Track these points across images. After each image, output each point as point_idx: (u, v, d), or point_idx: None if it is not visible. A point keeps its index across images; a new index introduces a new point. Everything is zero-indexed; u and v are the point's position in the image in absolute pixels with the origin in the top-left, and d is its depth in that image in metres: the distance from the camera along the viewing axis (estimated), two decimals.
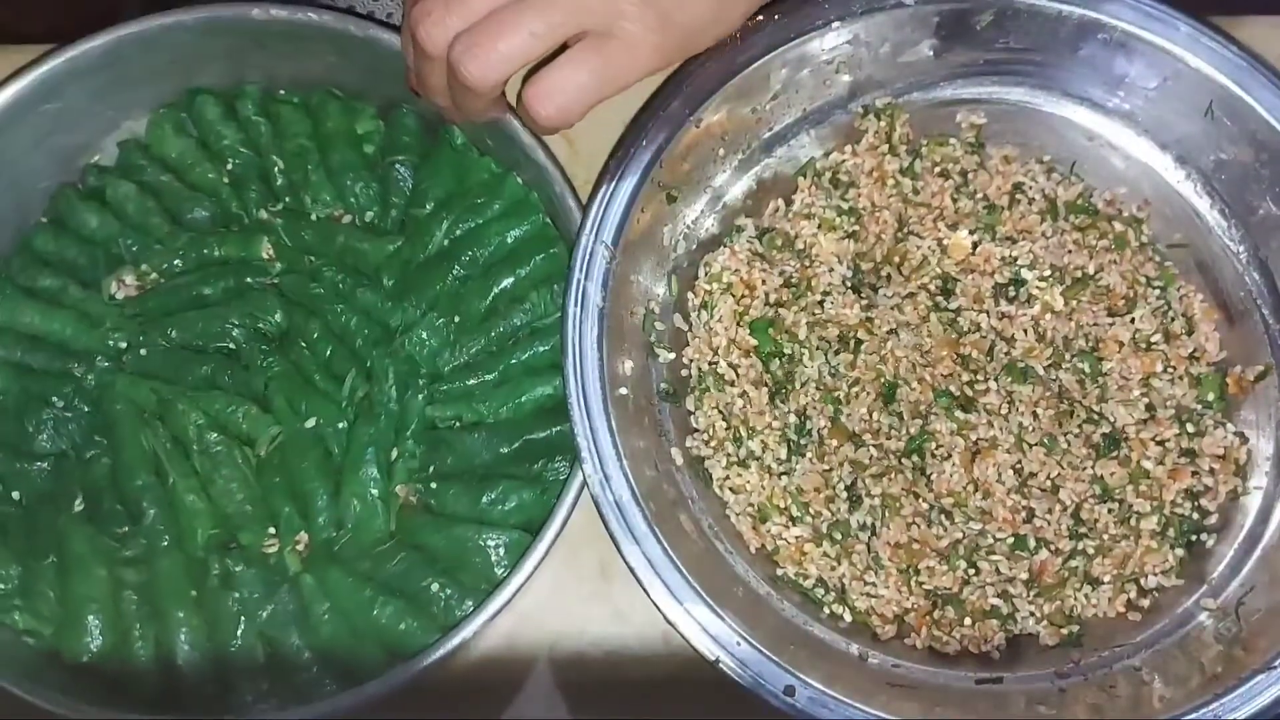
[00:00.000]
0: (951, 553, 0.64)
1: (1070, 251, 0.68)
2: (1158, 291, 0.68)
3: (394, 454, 0.67)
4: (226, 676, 0.64)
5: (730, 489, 0.66)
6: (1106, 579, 0.64)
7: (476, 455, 0.68)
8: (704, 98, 0.65)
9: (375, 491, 0.66)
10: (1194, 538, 0.65)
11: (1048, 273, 0.67)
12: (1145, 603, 0.64)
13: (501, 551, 0.65)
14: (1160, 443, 0.65)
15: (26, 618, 0.65)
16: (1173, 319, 0.67)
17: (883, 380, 0.66)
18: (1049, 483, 0.64)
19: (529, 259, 0.70)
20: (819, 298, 0.68)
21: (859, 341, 0.67)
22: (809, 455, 0.66)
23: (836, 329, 0.67)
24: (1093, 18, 0.66)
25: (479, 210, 0.71)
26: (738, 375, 0.67)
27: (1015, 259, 0.68)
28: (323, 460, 0.67)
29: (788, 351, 0.67)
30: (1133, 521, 0.64)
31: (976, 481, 0.64)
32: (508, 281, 0.70)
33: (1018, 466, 0.65)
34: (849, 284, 0.68)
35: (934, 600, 0.64)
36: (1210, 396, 0.66)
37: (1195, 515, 0.65)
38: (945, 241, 0.68)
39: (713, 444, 0.66)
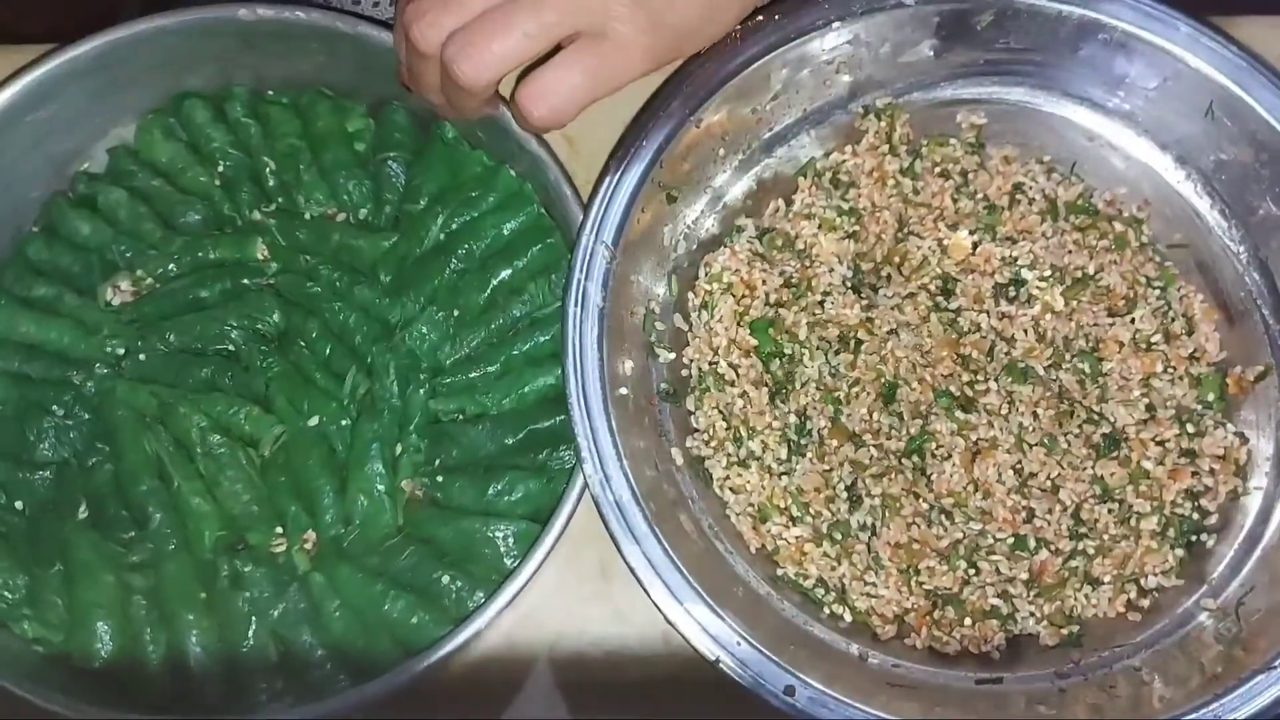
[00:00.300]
0: (951, 553, 0.64)
1: (1070, 252, 0.68)
2: (1158, 292, 0.68)
3: (398, 449, 0.68)
4: (239, 677, 0.64)
5: (730, 489, 0.66)
6: (1106, 579, 0.64)
7: (481, 447, 0.68)
8: (704, 98, 0.65)
9: (381, 487, 0.66)
10: (1194, 538, 0.65)
11: (1048, 273, 0.67)
12: (1145, 603, 0.64)
13: (510, 542, 0.65)
14: (1160, 443, 0.65)
15: (35, 626, 0.65)
16: (1173, 319, 0.67)
17: (883, 380, 0.66)
18: (1049, 483, 0.64)
19: (526, 250, 0.70)
20: (819, 298, 0.68)
21: (859, 342, 0.67)
22: (809, 455, 0.66)
23: (837, 329, 0.67)
24: (1093, 18, 0.66)
25: (473, 204, 0.72)
26: (738, 375, 0.67)
27: (1015, 259, 0.68)
28: (327, 458, 0.67)
29: (788, 351, 0.67)
30: (1133, 522, 0.64)
31: (977, 482, 0.64)
32: (505, 273, 0.70)
33: (1018, 467, 0.65)
34: (849, 284, 0.68)
35: (934, 600, 0.64)
36: (1210, 397, 0.66)
37: (1195, 515, 0.65)
38: (945, 242, 0.68)
39: (713, 444, 0.66)
